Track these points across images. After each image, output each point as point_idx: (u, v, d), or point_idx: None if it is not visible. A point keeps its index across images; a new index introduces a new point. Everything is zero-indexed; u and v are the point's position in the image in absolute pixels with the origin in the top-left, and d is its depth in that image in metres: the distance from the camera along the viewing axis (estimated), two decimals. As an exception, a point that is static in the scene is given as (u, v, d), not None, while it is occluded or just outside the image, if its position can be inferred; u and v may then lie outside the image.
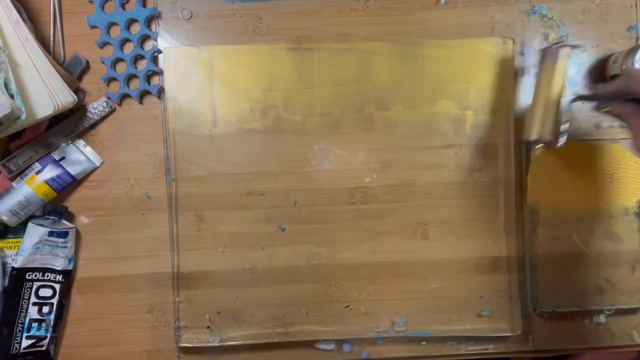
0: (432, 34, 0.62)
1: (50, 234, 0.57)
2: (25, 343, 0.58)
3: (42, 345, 0.59)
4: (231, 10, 0.61)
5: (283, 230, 0.62)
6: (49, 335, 0.59)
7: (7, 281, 0.58)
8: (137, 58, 0.60)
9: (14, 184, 0.58)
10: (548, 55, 0.56)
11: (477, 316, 0.62)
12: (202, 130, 0.60)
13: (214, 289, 0.61)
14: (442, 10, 0.62)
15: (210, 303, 0.61)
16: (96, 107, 0.60)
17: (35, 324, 0.58)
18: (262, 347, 0.62)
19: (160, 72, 0.60)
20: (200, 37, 0.61)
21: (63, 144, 0.59)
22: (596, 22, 0.62)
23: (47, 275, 0.59)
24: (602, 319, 0.63)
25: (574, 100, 0.53)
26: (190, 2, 0.61)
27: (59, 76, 0.54)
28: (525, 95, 0.62)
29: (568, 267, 0.62)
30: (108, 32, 0.60)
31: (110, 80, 0.60)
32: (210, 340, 0.61)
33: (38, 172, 0.58)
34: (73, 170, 0.59)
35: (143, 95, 0.61)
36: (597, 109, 0.49)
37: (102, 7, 0.59)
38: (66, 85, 0.55)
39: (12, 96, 0.50)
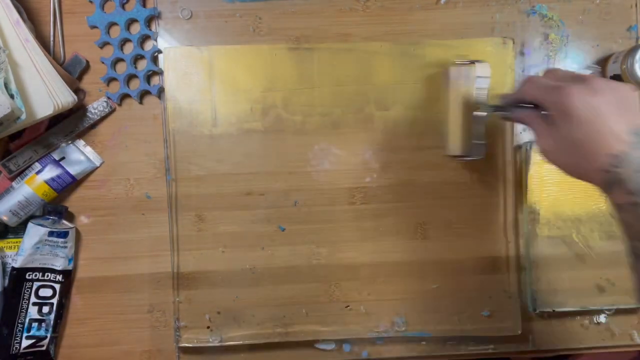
0: (432, 34, 0.62)
1: (50, 234, 0.57)
2: (25, 343, 0.58)
3: (42, 345, 0.59)
4: (231, 10, 0.61)
5: (283, 230, 0.62)
6: (49, 335, 0.59)
7: (7, 281, 0.58)
8: (137, 58, 0.60)
9: (14, 184, 0.58)
10: (451, 74, 0.58)
11: (477, 316, 0.62)
12: (202, 130, 0.60)
13: (214, 289, 0.61)
14: (442, 10, 0.62)
15: (210, 303, 0.61)
16: (96, 107, 0.60)
17: (35, 324, 0.58)
18: (262, 347, 0.62)
19: (160, 72, 0.60)
20: (200, 37, 0.61)
21: (63, 144, 0.59)
22: (596, 22, 0.62)
23: (47, 275, 0.59)
24: (602, 319, 0.63)
25: (487, 111, 0.55)
26: (190, 2, 0.61)
27: (59, 76, 0.54)
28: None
29: (568, 267, 0.62)
30: (108, 32, 0.60)
31: (110, 80, 0.60)
32: (210, 340, 0.61)
33: (38, 172, 0.58)
34: (73, 170, 0.59)
35: (143, 95, 0.61)
36: (505, 117, 0.52)
37: (102, 7, 0.59)
38: (66, 85, 0.55)
39: (12, 96, 0.50)
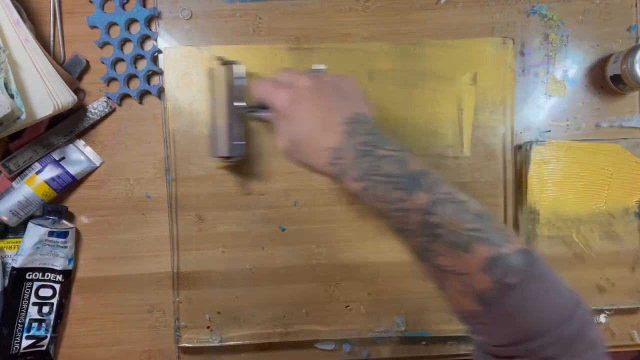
0: (432, 34, 0.62)
1: (50, 234, 0.57)
2: (25, 343, 0.58)
3: (42, 345, 0.59)
4: (231, 10, 0.61)
5: (283, 230, 0.62)
6: (49, 335, 0.59)
7: (7, 281, 0.58)
8: (137, 58, 0.60)
9: (14, 184, 0.58)
10: (215, 75, 0.57)
11: (477, 316, 0.62)
12: (202, 130, 0.60)
13: (214, 289, 0.61)
14: (442, 10, 0.62)
15: (210, 303, 0.61)
16: (96, 107, 0.60)
17: (35, 324, 0.58)
18: (262, 347, 0.62)
19: (160, 72, 0.60)
20: (200, 37, 0.61)
21: (63, 144, 0.59)
22: (596, 22, 0.62)
23: (47, 275, 0.59)
24: (602, 319, 0.63)
25: (241, 111, 0.56)
26: (190, 2, 0.61)
27: (59, 76, 0.54)
28: (525, 96, 0.62)
29: (568, 267, 0.62)
30: (108, 32, 0.60)
31: (110, 80, 0.60)
32: (210, 340, 0.61)
33: (38, 172, 0.58)
34: (73, 170, 0.59)
35: (143, 95, 0.61)
36: (257, 118, 0.52)
37: (102, 7, 0.59)
38: (66, 85, 0.55)
39: (12, 96, 0.50)
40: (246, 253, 0.61)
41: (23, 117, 0.51)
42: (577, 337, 0.35)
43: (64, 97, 0.54)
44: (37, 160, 0.59)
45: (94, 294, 0.62)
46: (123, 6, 0.59)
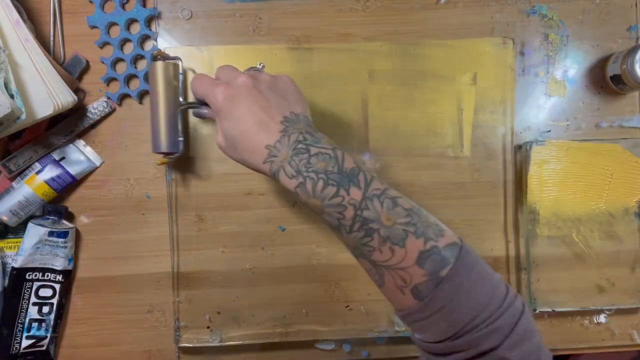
0: (432, 34, 0.62)
1: (50, 234, 0.57)
2: (25, 343, 0.58)
3: (42, 345, 0.59)
4: (231, 10, 0.61)
5: (283, 230, 0.62)
6: (49, 335, 0.59)
7: (7, 281, 0.58)
8: (137, 58, 0.60)
9: (14, 184, 0.58)
10: (157, 70, 0.56)
11: (477, 316, 0.62)
12: (202, 130, 0.60)
13: (214, 289, 0.61)
14: (442, 10, 0.62)
15: (210, 303, 0.61)
16: (96, 107, 0.60)
17: (35, 324, 0.58)
18: (262, 347, 0.62)
19: (160, 72, 0.60)
20: (200, 37, 0.61)
21: (63, 144, 0.59)
22: (596, 22, 0.62)
23: (47, 275, 0.59)
24: (602, 319, 0.63)
25: (181, 107, 0.56)
26: (190, 2, 0.61)
27: (59, 76, 0.54)
28: (525, 96, 0.62)
29: (568, 267, 0.62)
30: (108, 32, 0.60)
31: (110, 80, 0.60)
32: (210, 340, 0.61)
33: (38, 172, 0.58)
34: (73, 170, 0.59)
35: (143, 95, 0.61)
36: (197, 114, 0.52)
37: (102, 7, 0.59)
38: (66, 85, 0.55)
39: (12, 96, 0.50)
40: (246, 253, 0.61)
41: (23, 117, 0.51)
42: (510, 327, 0.35)
43: (64, 97, 0.54)
44: (37, 160, 0.59)
45: (94, 294, 0.62)
46: (123, 6, 0.59)
